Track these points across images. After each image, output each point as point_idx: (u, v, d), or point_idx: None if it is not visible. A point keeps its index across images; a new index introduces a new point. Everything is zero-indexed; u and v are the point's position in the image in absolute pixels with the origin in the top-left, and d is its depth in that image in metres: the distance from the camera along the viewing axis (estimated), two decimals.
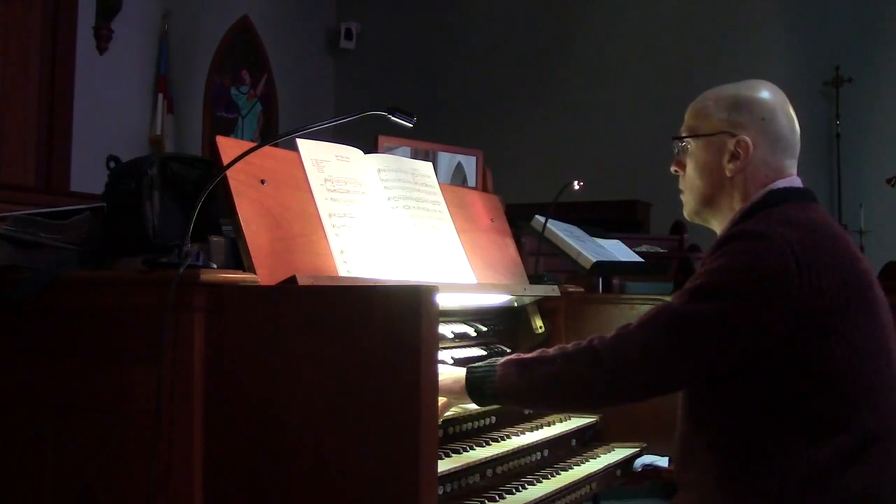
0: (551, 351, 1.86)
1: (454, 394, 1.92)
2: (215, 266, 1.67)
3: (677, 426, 1.89)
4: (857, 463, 1.68)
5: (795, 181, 1.90)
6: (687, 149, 1.96)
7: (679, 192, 2.01)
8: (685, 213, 2.02)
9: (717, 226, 1.95)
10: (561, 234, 3.36)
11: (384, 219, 2.13)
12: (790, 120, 1.91)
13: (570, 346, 1.85)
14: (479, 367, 1.93)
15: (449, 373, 1.94)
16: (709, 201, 1.94)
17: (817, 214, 1.83)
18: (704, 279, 1.74)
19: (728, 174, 1.89)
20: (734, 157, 1.88)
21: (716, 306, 1.69)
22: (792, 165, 1.91)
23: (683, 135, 1.97)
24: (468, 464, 1.92)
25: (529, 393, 1.88)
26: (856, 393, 1.70)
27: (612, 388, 1.80)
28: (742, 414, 1.74)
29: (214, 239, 1.76)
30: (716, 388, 1.77)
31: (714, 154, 1.91)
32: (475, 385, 1.90)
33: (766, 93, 1.91)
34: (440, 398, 1.83)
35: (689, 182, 1.97)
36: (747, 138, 1.87)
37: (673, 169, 2.01)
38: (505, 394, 1.89)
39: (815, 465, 1.67)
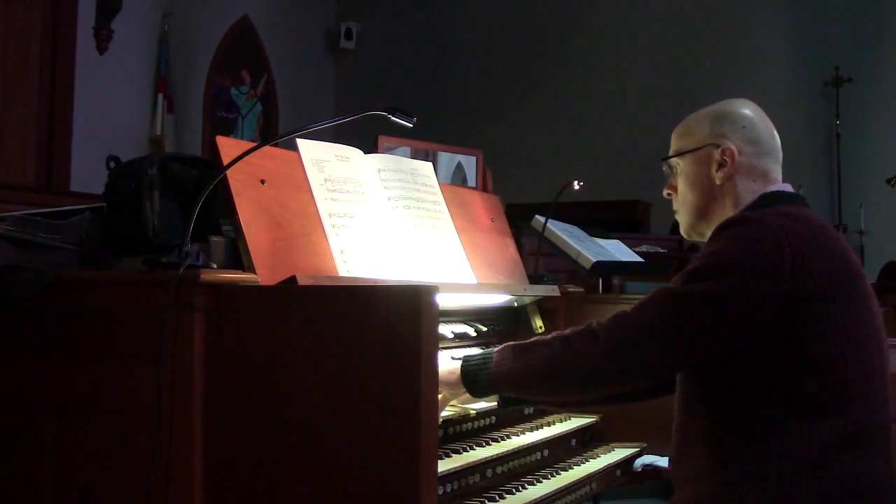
0: (548, 336, 1.88)
1: (450, 385, 1.92)
2: (215, 266, 1.67)
3: (674, 422, 1.90)
4: (851, 449, 1.71)
5: (787, 187, 1.96)
6: (676, 169, 2.02)
7: (674, 212, 2.06)
8: (682, 232, 2.07)
9: None
10: (561, 234, 3.36)
11: (384, 219, 2.13)
12: (769, 128, 1.99)
13: (567, 330, 1.87)
14: (475, 356, 1.94)
15: (445, 365, 1.93)
16: (702, 213, 1.99)
17: (808, 213, 1.88)
18: (701, 262, 1.78)
19: (718, 182, 1.95)
20: (721, 165, 1.94)
21: (711, 286, 1.73)
22: (777, 170, 1.98)
23: (671, 156, 2.03)
24: (468, 464, 1.92)
25: (526, 377, 1.88)
26: (848, 377, 1.73)
27: (609, 367, 1.80)
28: (735, 399, 1.77)
29: (214, 239, 1.76)
30: (709, 374, 1.80)
31: (702, 166, 1.97)
32: (471, 374, 1.91)
33: (744, 107, 2.00)
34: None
35: (682, 198, 2.02)
36: (731, 146, 1.94)
37: (666, 192, 2.07)
38: (501, 380, 1.89)
39: (810, 450, 1.70)
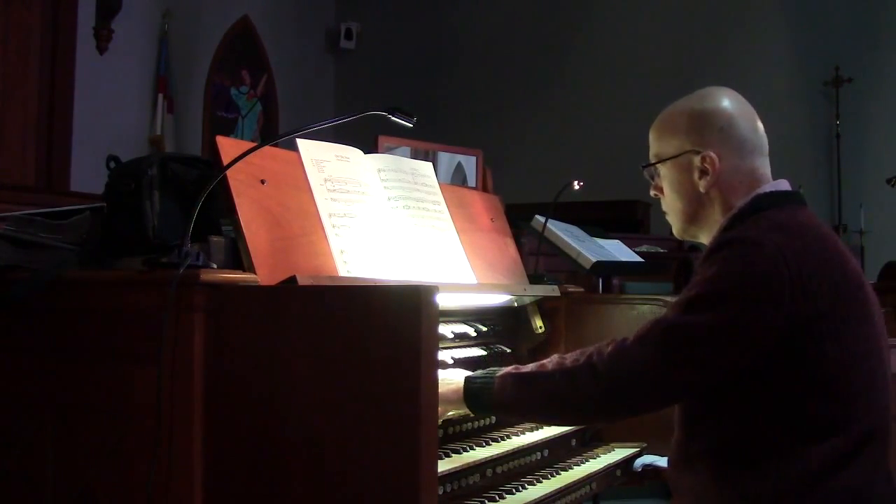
0: (549, 366, 1.86)
1: (453, 403, 1.92)
2: (215, 266, 1.67)
3: (674, 431, 1.89)
4: (850, 463, 1.69)
5: (781, 185, 1.90)
6: (659, 172, 1.97)
7: (664, 213, 2.03)
8: (674, 233, 2.03)
9: (706, 238, 1.95)
10: (561, 234, 3.36)
11: (384, 219, 2.13)
12: (750, 120, 1.91)
13: (568, 360, 1.84)
14: (478, 378, 1.92)
15: (448, 381, 1.93)
16: (692, 219, 1.95)
17: (805, 218, 1.83)
18: (698, 289, 1.73)
19: (703, 190, 1.89)
20: (704, 172, 1.88)
21: (710, 317, 1.69)
22: (764, 164, 1.91)
23: (651, 161, 1.99)
24: (468, 464, 1.92)
25: (527, 407, 1.90)
26: (849, 394, 1.71)
27: (611, 404, 1.81)
28: (736, 420, 1.74)
29: (214, 239, 1.76)
30: (709, 396, 1.77)
31: (684, 173, 1.91)
32: (473, 396, 1.90)
33: (719, 101, 1.91)
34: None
35: (670, 204, 1.98)
36: (711, 153, 1.87)
37: (653, 193, 2.02)
38: (502, 406, 1.90)
39: (810, 467, 1.68)
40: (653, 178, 2.00)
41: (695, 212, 1.93)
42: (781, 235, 1.72)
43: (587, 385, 1.78)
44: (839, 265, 1.76)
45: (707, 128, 1.88)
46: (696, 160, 1.88)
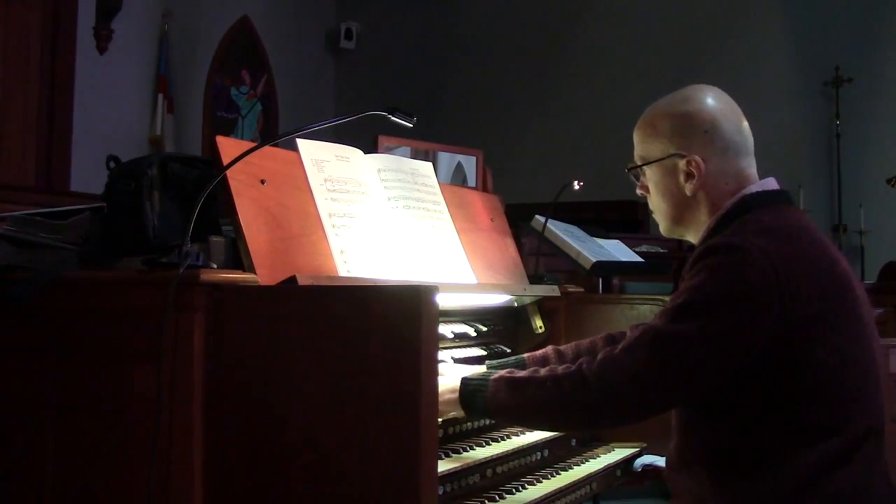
0: (542, 371, 1.86)
1: (449, 405, 1.92)
2: (215, 266, 1.67)
3: (672, 439, 1.89)
4: (846, 464, 1.69)
5: (768, 184, 1.89)
6: (644, 173, 1.97)
7: (651, 212, 2.02)
8: (661, 232, 2.02)
9: (694, 237, 1.95)
10: (561, 234, 3.37)
11: (384, 219, 2.13)
12: (735, 120, 1.90)
13: (560, 367, 1.85)
14: (473, 380, 1.92)
15: (447, 381, 1.93)
16: (678, 220, 1.95)
17: (792, 219, 1.82)
18: (685, 297, 1.73)
19: (689, 193, 1.89)
20: (689, 176, 1.88)
21: (699, 325, 1.68)
22: (750, 164, 1.90)
23: (637, 163, 1.98)
24: (468, 464, 1.92)
25: (518, 413, 1.90)
26: (843, 397, 1.70)
27: (600, 412, 1.81)
28: (731, 424, 1.74)
29: (214, 239, 1.76)
30: (704, 402, 1.77)
31: (670, 176, 1.91)
32: (467, 397, 1.91)
33: (703, 102, 1.89)
34: None
35: (656, 204, 1.98)
36: (697, 157, 1.86)
37: (639, 192, 2.01)
38: (495, 410, 1.91)
39: (806, 469, 1.67)
40: (638, 179, 2.00)
41: (681, 213, 1.93)
42: (768, 239, 1.71)
43: (577, 394, 1.78)
44: (827, 266, 1.75)
45: (691, 131, 1.87)
46: (682, 164, 1.88)
